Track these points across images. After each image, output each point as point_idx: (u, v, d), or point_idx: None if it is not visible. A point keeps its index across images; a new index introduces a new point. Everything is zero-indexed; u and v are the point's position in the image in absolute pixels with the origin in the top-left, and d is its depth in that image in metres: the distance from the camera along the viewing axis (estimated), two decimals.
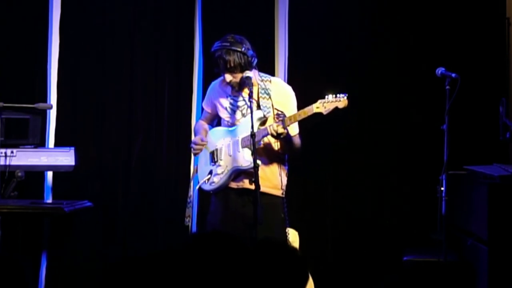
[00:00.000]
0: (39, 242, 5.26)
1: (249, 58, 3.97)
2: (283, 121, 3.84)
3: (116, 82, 5.39)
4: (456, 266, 4.29)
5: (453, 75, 4.03)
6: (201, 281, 1.80)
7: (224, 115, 4.11)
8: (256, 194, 3.67)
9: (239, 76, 3.97)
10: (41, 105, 4.60)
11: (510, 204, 4.00)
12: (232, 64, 3.93)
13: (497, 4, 5.27)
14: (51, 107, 4.82)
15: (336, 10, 5.36)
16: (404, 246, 4.89)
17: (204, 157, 4.18)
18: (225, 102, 4.10)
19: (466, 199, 4.51)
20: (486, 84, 5.19)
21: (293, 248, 1.98)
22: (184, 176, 5.33)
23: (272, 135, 3.85)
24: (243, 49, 3.96)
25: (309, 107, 3.86)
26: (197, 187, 4.17)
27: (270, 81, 4.07)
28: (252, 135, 3.75)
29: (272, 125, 3.84)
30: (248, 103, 3.98)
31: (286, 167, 4.14)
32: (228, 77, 3.97)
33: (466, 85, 4.08)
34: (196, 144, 4.14)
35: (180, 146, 5.35)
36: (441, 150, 4.05)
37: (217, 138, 4.12)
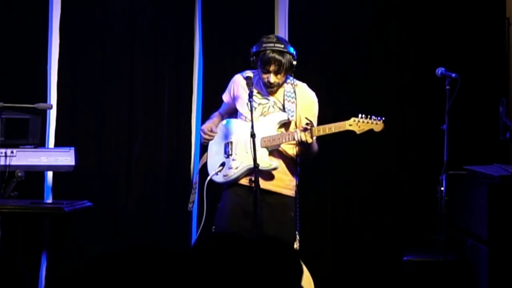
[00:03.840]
0: (39, 242, 5.26)
1: (294, 61, 4.00)
2: (311, 131, 3.85)
3: (116, 82, 5.39)
4: (456, 266, 4.29)
5: (453, 75, 4.03)
6: (199, 281, 1.80)
7: (244, 110, 4.08)
8: (256, 193, 3.68)
9: (282, 79, 4.00)
10: (41, 105, 4.60)
11: (510, 204, 4.00)
12: (285, 66, 3.94)
13: (497, 4, 5.27)
14: (51, 107, 4.82)
15: (336, 10, 5.36)
16: (404, 246, 4.89)
17: (216, 147, 4.17)
18: (247, 97, 4.04)
19: (466, 199, 4.51)
20: (486, 84, 5.19)
21: (285, 243, 1.98)
22: (184, 176, 5.33)
23: (298, 142, 3.87)
24: (293, 52, 4.00)
25: (341, 123, 3.90)
26: (208, 178, 4.14)
27: (297, 85, 4.09)
28: (252, 135, 3.75)
29: (300, 133, 3.84)
30: (272, 103, 4.02)
31: (298, 168, 4.14)
32: (274, 79, 3.97)
33: (466, 85, 4.08)
34: (204, 132, 4.13)
35: (180, 146, 5.36)
36: (441, 150, 4.05)
37: (233, 131, 4.12)
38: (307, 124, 3.88)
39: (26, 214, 4.52)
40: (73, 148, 4.81)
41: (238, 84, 4.17)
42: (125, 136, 5.38)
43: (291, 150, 4.05)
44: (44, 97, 5.30)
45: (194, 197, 4.22)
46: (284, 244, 1.95)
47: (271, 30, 5.38)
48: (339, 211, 5.30)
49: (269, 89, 4.05)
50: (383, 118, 3.90)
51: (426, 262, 4.38)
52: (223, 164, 4.08)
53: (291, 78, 4.10)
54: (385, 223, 5.24)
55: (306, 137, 3.83)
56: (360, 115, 3.89)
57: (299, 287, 1.91)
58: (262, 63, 3.97)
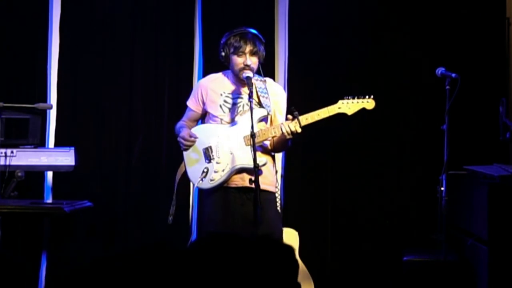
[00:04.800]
0: (39, 242, 5.26)
1: (263, 52, 4.00)
2: (298, 120, 3.81)
3: (116, 82, 5.40)
4: (456, 266, 4.29)
5: (453, 75, 4.03)
6: (196, 279, 1.81)
7: (218, 112, 4.05)
8: (256, 193, 3.67)
9: (255, 64, 3.97)
10: (41, 105, 4.60)
11: (510, 204, 4.00)
12: (257, 49, 3.94)
13: (497, 4, 5.27)
14: (51, 107, 4.81)
15: (336, 10, 5.36)
16: (404, 246, 4.89)
17: (194, 154, 4.08)
18: (219, 99, 4.05)
19: (466, 199, 4.51)
20: (486, 84, 5.19)
21: (277, 240, 1.99)
22: (184, 176, 5.33)
23: (287, 134, 3.83)
24: (262, 39, 4.02)
25: (330, 107, 3.86)
26: (195, 186, 4.13)
27: (265, 81, 4.06)
28: (252, 135, 3.74)
29: (287, 124, 3.81)
30: (245, 101, 3.99)
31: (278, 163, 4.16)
32: (251, 60, 3.93)
33: (466, 85, 4.08)
34: (184, 139, 4.05)
35: (180, 147, 5.35)
36: (441, 150, 4.05)
37: (209, 136, 4.04)
38: (293, 113, 3.84)
39: (26, 214, 4.52)
40: (73, 148, 4.81)
41: (206, 88, 4.11)
42: (125, 136, 5.38)
43: (269, 146, 4.05)
44: (44, 97, 5.30)
45: (174, 209, 4.18)
46: (279, 242, 1.95)
47: (271, 30, 5.38)
48: (339, 211, 5.30)
49: (245, 74, 3.91)
50: (372, 96, 3.86)
51: (426, 262, 4.38)
52: (206, 170, 4.01)
53: (257, 75, 4.04)
54: (385, 223, 5.24)
55: (295, 127, 3.80)
56: (346, 97, 3.85)
57: (295, 283, 1.91)
58: (236, 47, 3.95)
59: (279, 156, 5.31)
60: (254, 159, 3.72)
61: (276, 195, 4.12)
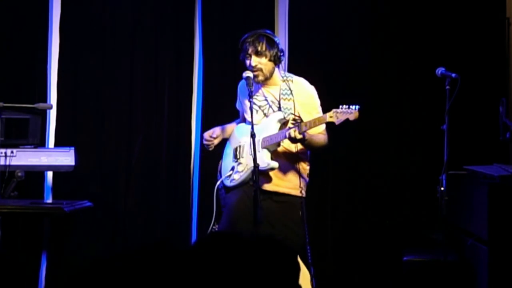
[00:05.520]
0: (39, 242, 5.26)
1: (279, 52, 3.98)
2: (298, 127, 3.82)
3: (116, 82, 5.40)
4: (456, 266, 4.29)
5: (453, 75, 4.03)
6: (197, 279, 1.81)
7: (247, 115, 4.06)
8: (256, 194, 3.67)
9: (265, 64, 3.96)
10: (41, 105, 4.60)
11: (510, 204, 4.00)
12: (262, 48, 3.93)
13: (497, 4, 5.27)
14: (51, 107, 4.81)
15: (336, 10, 5.36)
16: (404, 246, 4.89)
17: (229, 150, 4.19)
18: (248, 102, 4.04)
19: (466, 199, 4.51)
20: (486, 84, 5.19)
21: (279, 241, 1.99)
22: (184, 176, 5.34)
23: (289, 139, 3.85)
24: (275, 39, 4.00)
25: (324, 116, 3.87)
26: (219, 181, 4.12)
27: (292, 81, 4.05)
28: (252, 135, 3.75)
29: (290, 130, 3.83)
30: (270, 104, 4.01)
31: (308, 166, 4.12)
32: (255, 61, 3.94)
33: (466, 85, 4.08)
34: (204, 138, 4.18)
35: (180, 147, 5.36)
36: (441, 150, 4.05)
37: (242, 135, 4.12)
38: (294, 120, 3.87)
39: (26, 214, 4.52)
40: (73, 148, 4.82)
41: (239, 91, 4.22)
42: (125, 136, 5.38)
43: (294, 148, 4.02)
44: (44, 97, 5.30)
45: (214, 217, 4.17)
46: (281, 243, 1.95)
47: (271, 30, 5.37)
48: (339, 211, 5.30)
49: (255, 79, 3.97)
50: (359, 107, 3.85)
51: (426, 262, 4.38)
52: (232, 169, 4.08)
53: (288, 73, 4.08)
54: (385, 223, 5.24)
55: (295, 133, 3.80)
56: (340, 106, 3.84)
57: (296, 286, 1.91)
58: (243, 53, 3.99)
59: None
60: (254, 159, 3.72)
61: (301, 199, 4.05)
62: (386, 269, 5.16)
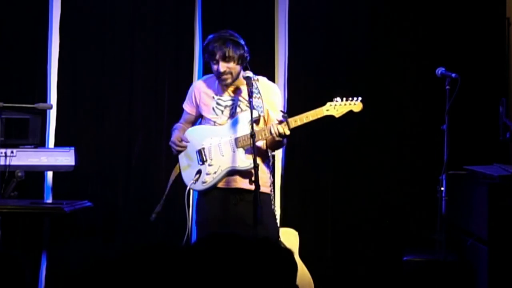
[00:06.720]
0: (39, 242, 5.26)
1: (245, 53, 3.93)
2: (288, 122, 3.79)
3: (116, 82, 5.40)
4: (456, 266, 4.29)
5: (453, 75, 4.03)
6: (195, 279, 1.81)
7: (211, 115, 4.03)
8: (256, 194, 3.66)
9: (234, 68, 3.91)
10: (41, 105, 4.60)
11: (510, 204, 4.00)
12: (229, 54, 3.87)
13: (497, 4, 5.27)
14: (51, 107, 4.81)
15: (336, 10, 5.36)
16: (404, 246, 4.89)
17: (187, 157, 4.09)
18: (211, 102, 4.03)
19: (466, 199, 4.51)
20: (486, 84, 5.19)
21: (275, 241, 1.99)
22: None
23: (276, 135, 3.80)
24: (241, 41, 3.94)
25: (318, 110, 3.82)
26: (187, 188, 4.07)
27: (258, 80, 4.01)
28: (252, 135, 3.73)
29: (276, 126, 3.78)
30: (237, 103, 3.96)
31: (271, 165, 4.13)
32: (223, 67, 3.89)
33: (466, 85, 4.08)
34: (175, 144, 4.07)
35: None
36: (441, 150, 4.05)
37: (203, 137, 4.03)
38: (283, 115, 3.82)
39: (26, 214, 4.52)
40: (73, 148, 4.81)
41: (199, 90, 4.10)
42: (125, 136, 5.38)
43: (264, 146, 4.01)
44: (44, 97, 5.30)
45: (160, 208, 4.15)
46: (278, 243, 1.95)
47: (271, 30, 5.38)
48: (339, 211, 5.30)
49: (223, 83, 3.94)
50: (360, 98, 3.85)
51: (426, 262, 4.38)
52: (199, 172, 4.00)
53: (247, 72, 3.95)
54: (385, 223, 5.24)
55: (283, 129, 3.76)
56: (335, 99, 3.82)
57: (294, 286, 1.92)
58: (209, 56, 3.92)
59: (279, 156, 5.31)
60: (254, 159, 3.70)
61: (271, 195, 4.07)
62: (386, 269, 5.16)
